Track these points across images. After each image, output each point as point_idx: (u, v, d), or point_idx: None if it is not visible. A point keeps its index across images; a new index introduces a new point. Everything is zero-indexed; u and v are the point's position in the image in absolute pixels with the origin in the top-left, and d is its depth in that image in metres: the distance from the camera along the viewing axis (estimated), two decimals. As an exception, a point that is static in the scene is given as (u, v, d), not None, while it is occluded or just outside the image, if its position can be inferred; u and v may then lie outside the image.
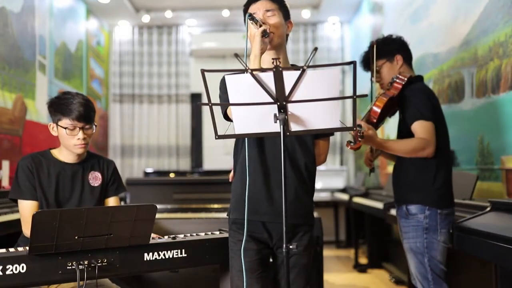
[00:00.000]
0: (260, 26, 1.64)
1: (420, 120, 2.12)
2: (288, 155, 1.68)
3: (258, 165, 1.69)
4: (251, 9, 1.75)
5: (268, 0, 1.74)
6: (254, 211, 1.66)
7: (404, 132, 2.22)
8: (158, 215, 1.98)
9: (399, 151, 2.15)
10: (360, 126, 2.09)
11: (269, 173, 1.68)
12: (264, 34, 1.63)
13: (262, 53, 1.63)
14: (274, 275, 1.73)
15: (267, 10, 1.73)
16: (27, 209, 1.94)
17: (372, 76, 2.35)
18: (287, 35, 1.81)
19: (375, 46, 2.31)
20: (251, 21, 1.65)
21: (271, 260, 1.75)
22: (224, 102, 1.63)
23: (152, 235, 1.80)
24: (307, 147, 1.72)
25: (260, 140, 1.70)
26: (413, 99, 2.17)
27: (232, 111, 1.47)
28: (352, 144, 2.07)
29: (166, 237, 1.85)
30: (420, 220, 2.12)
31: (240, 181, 1.69)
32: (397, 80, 2.21)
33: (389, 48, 2.33)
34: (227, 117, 1.69)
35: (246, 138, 1.68)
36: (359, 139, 2.06)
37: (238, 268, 1.65)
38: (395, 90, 2.20)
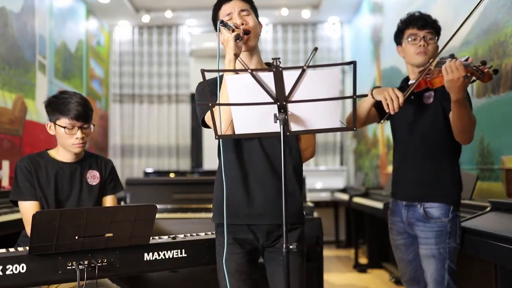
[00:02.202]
0: (233, 31, 1.63)
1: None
2: (267, 156, 1.66)
3: (237, 168, 1.68)
4: (224, 9, 1.74)
5: (241, 0, 1.74)
6: (235, 214, 1.65)
7: (439, 116, 2.05)
8: (158, 215, 1.98)
9: (468, 114, 1.91)
10: (478, 67, 1.85)
11: (248, 176, 1.67)
12: (238, 38, 1.62)
13: (236, 57, 1.62)
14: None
15: (242, 10, 1.72)
16: (28, 209, 1.93)
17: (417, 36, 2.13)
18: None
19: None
20: (224, 27, 1.64)
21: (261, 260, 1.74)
22: (224, 103, 1.63)
23: None
24: (288, 145, 1.67)
25: (237, 144, 1.69)
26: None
27: (232, 111, 1.47)
28: (468, 79, 1.81)
29: (166, 237, 1.85)
30: (444, 224, 1.99)
31: (220, 186, 1.66)
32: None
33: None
34: (204, 124, 1.68)
35: (221, 142, 1.68)
36: (479, 79, 1.83)
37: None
38: None
